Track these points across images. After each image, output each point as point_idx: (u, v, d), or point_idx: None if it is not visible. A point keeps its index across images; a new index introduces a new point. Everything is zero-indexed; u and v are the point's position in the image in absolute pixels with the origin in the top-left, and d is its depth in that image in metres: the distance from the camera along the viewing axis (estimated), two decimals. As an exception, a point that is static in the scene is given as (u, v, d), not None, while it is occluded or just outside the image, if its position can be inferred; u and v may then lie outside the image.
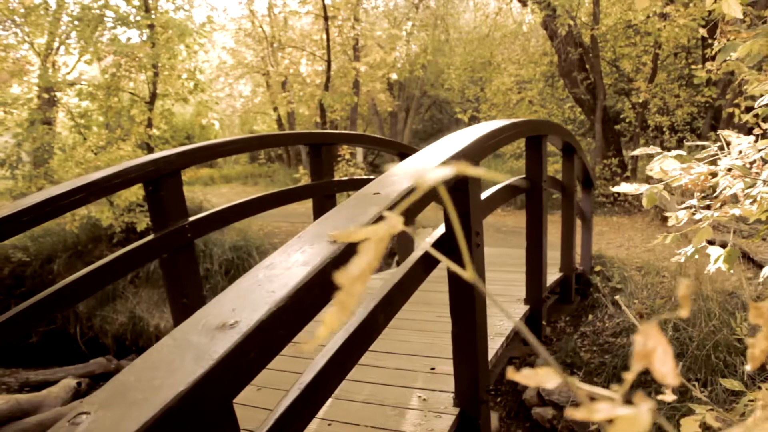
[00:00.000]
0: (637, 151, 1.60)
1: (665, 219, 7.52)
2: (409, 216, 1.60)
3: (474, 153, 2.04)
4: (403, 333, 3.13)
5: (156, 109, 7.61)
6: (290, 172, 13.68)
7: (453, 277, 2.11)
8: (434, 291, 2.99)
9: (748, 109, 6.61)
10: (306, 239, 1.28)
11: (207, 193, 10.64)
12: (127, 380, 0.91)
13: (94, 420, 0.82)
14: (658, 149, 1.59)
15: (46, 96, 7.80)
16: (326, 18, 6.90)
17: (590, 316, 5.20)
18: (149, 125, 7.51)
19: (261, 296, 1.05)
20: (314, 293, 1.13)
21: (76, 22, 7.44)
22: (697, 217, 1.55)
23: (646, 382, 4.33)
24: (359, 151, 11.54)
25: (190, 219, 2.72)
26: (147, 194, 2.62)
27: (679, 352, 4.19)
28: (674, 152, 1.59)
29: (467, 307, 2.12)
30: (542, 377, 0.50)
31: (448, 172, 0.34)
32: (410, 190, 1.52)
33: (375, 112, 14.48)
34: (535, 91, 10.12)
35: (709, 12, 7.27)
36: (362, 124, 14.90)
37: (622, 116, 10.30)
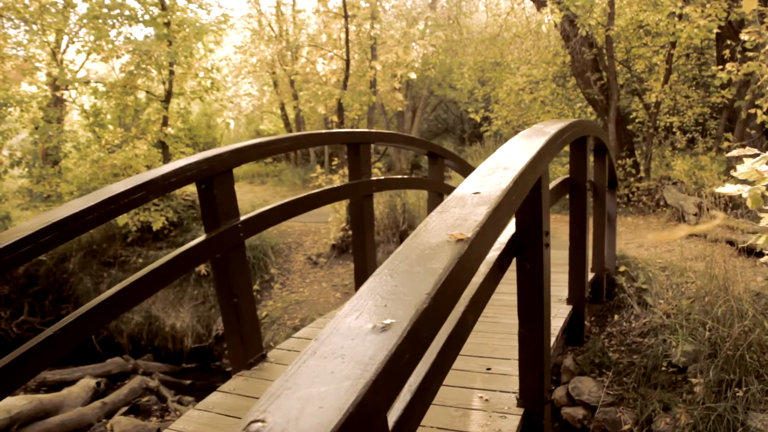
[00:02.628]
0: (734, 153, 1.58)
1: (683, 218, 7.53)
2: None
3: (548, 154, 2.03)
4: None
5: (171, 107, 7.56)
6: (297, 172, 13.62)
7: (522, 278, 2.10)
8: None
9: (770, 110, 6.62)
10: (424, 239, 1.26)
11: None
12: (288, 386, 0.89)
13: (272, 429, 0.80)
14: (756, 150, 1.57)
15: (58, 94, 7.75)
16: (346, 17, 6.89)
17: (616, 316, 5.19)
18: (165, 123, 7.46)
19: (405, 297, 1.03)
20: (447, 293, 1.11)
21: (85, 21, 7.39)
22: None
23: (677, 383, 4.33)
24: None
25: (242, 218, 2.69)
26: (200, 193, 2.59)
27: (711, 353, 4.18)
28: (772, 153, 1.57)
29: (536, 307, 2.11)
30: None
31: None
32: (509, 189, 1.51)
33: (382, 112, 14.47)
34: (548, 91, 10.11)
35: (728, 12, 7.27)
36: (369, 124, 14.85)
37: (632, 117, 10.31)
